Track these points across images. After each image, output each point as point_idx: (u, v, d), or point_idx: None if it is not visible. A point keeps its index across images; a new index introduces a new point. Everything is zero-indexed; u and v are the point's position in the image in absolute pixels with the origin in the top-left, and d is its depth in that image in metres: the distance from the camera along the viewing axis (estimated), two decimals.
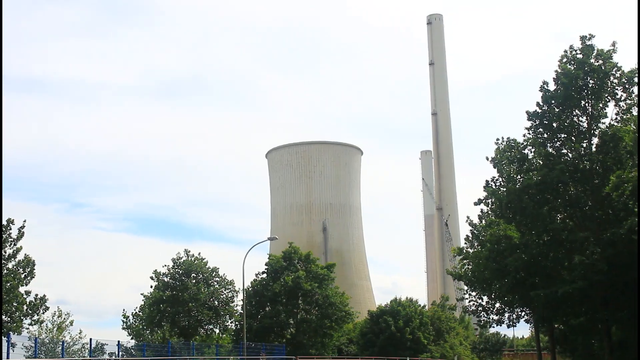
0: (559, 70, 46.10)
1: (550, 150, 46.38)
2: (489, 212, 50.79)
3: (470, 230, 53.66)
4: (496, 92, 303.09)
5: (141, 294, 78.58)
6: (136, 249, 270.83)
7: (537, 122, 46.66)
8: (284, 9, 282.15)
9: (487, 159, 49.43)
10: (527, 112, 46.85)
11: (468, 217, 53.09)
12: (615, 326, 48.51)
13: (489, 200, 49.25)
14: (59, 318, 63.42)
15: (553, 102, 46.24)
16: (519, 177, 48.02)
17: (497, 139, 49.25)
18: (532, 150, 47.11)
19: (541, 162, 46.24)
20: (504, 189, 48.06)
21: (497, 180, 49.30)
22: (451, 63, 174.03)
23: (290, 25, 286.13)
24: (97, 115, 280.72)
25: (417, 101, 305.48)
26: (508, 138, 48.56)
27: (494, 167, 49.39)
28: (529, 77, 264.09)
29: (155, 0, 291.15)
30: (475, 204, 49.96)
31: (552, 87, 46.62)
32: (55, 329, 62.97)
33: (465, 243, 54.89)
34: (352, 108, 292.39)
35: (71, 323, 64.12)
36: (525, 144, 47.44)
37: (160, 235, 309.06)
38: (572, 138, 46.39)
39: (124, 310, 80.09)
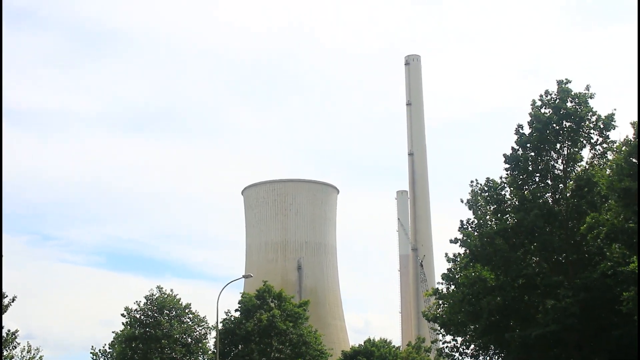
0: (533, 114, 46.72)
1: (526, 193, 46.74)
2: (465, 253, 50.84)
3: (448, 269, 53.63)
4: (473, 131, 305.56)
5: (112, 332, 77.62)
6: (106, 283, 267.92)
7: (513, 165, 47.11)
8: (256, 42, 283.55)
9: (462, 201, 49.68)
10: (505, 155, 47.30)
11: (447, 254, 53.09)
12: None
13: (465, 241, 49.34)
14: (28, 353, 62.42)
15: (528, 145, 46.75)
16: (494, 219, 48.29)
17: (472, 181, 49.60)
18: (509, 191, 47.50)
19: (517, 204, 46.57)
20: (479, 232, 48.25)
21: (472, 222, 49.47)
22: (428, 103, 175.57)
23: (266, 60, 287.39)
24: (67, 146, 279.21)
25: (393, 141, 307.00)
26: (487, 178, 48.86)
27: (469, 209, 49.63)
28: (505, 115, 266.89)
29: (126, 31, 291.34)
30: (451, 242, 50.04)
31: (527, 129, 47.16)
32: None
33: (441, 282, 54.79)
34: (329, 146, 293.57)
35: (40, 359, 63.14)
36: (503, 184, 47.81)
37: (131, 270, 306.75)
38: (548, 182, 46.83)
39: (92, 347, 78.88)
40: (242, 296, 79.63)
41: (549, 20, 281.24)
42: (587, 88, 46.63)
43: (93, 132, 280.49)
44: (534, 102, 47.23)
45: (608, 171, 43.47)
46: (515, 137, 47.63)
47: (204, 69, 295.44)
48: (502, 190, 47.86)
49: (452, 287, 53.20)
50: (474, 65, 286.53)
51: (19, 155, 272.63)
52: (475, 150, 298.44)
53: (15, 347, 54.84)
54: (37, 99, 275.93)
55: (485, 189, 48.63)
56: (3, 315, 54.33)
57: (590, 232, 41.47)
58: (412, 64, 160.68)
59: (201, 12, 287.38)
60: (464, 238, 49.03)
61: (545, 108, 46.87)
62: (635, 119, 40.45)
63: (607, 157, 46.07)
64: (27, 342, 60.06)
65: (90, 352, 78.83)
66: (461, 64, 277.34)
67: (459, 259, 52.04)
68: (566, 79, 47.00)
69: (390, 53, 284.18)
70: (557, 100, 46.56)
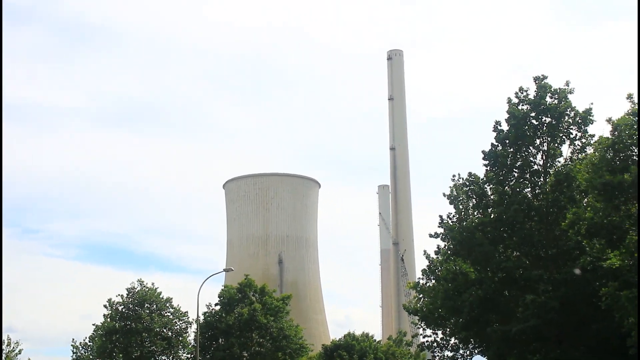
0: (510, 111, 46.92)
1: (507, 189, 46.94)
2: (446, 247, 51.03)
3: (427, 265, 53.83)
4: (454, 127, 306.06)
5: (93, 324, 77.36)
6: (87, 276, 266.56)
7: (492, 161, 47.31)
8: (241, 38, 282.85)
9: (444, 195, 49.88)
10: (483, 152, 47.50)
11: (425, 251, 53.35)
12: None
13: (445, 236, 49.57)
14: (8, 347, 62.21)
15: (507, 141, 46.97)
16: (476, 213, 48.51)
17: (454, 175, 49.85)
18: (490, 187, 47.72)
19: (498, 199, 46.78)
20: (459, 225, 48.45)
21: (452, 216, 49.70)
22: (410, 98, 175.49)
23: (249, 55, 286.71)
24: (49, 140, 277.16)
25: (375, 135, 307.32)
26: (469, 173, 49.12)
27: (450, 204, 49.83)
28: (488, 111, 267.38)
29: (113, 26, 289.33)
30: (431, 236, 50.27)
31: (505, 126, 47.38)
32: (4, 357, 61.71)
33: (422, 277, 54.97)
34: (311, 140, 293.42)
35: (20, 352, 63.00)
36: (484, 179, 48.04)
37: (112, 263, 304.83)
38: (527, 176, 47.06)
39: (73, 339, 78.59)
40: (222, 289, 79.49)
41: (533, 17, 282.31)
42: (567, 84, 46.92)
43: (76, 126, 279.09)
44: (509, 99, 47.45)
45: (585, 166, 43.60)
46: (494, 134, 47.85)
47: (190, 64, 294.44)
48: (484, 185, 48.08)
49: (433, 281, 53.42)
50: (457, 61, 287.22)
51: (1, 148, 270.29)
52: (457, 146, 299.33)
53: None
54: (21, 93, 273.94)
55: (467, 183, 48.85)
56: None
57: (571, 227, 41.70)
58: (394, 58, 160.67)
59: (189, 8, 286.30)
60: (445, 231, 49.25)
61: (522, 104, 47.05)
62: (612, 115, 40.60)
63: (585, 151, 46.33)
64: (7, 335, 59.91)
65: (71, 345, 78.65)
66: (444, 60, 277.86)
67: (440, 253, 52.20)
68: (542, 75, 47.27)
69: (373, 48, 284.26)
70: (536, 96, 46.76)
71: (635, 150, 38.71)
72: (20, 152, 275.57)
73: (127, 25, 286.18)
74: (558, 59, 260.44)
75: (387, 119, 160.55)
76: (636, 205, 37.97)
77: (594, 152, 41.88)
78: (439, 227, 49.95)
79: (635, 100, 40.24)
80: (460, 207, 49.48)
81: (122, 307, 75.79)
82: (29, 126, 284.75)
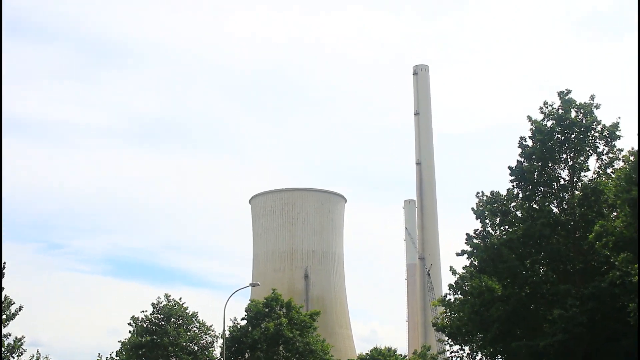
0: (534, 126, 46.79)
1: (533, 204, 46.77)
2: (472, 264, 50.82)
3: (455, 281, 53.56)
4: (481, 142, 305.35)
5: (118, 341, 77.73)
6: (114, 291, 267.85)
7: (519, 177, 47.19)
8: (264, 54, 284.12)
9: (473, 210, 49.74)
10: (510, 168, 47.38)
11: (451, 267, 53.13)
12: None
13: (471, 253, 49.41)
14: None
15: (533, 157, 46.82)
16: (501, 229, 48.36)
17: (478, 192, 49.72)
18: (514, 204, 47.59)
19: (522, 216, 46.61)
20: (486, 242, 48.27)
21: (479, 232, 49.48)
22: (436, 113, 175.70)
23: (273, 70, 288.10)
24: (75, 157, 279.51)
25: (401, 150, 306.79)
26: (491, 191, 49.04)
27: (477, 219, 49.70)
28: (513, 126, 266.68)
29: (133, 44, 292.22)
30: (458, 254, 50.14)
31: (530, 142, 47.26)
32: None
33: (449, 292, 54.74)
34: (337, 155, 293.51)
35: None
36: (507, 197, 47.91)
37: (138, 279, 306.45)
38: (554, 191, 46.85)
39: (99, 354, 79.01)
40: (249, 304, 79.58)
41: (557, 32, 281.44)
42: (592, 98, 46.68)
43: (102, 144, 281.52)
44: (529, 117, 47.34)
45: (613, 181, 43.43)
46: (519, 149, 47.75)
47: (212, 81, 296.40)
48: (508, 202, 47.95)
49: (459, 296, 53.15)
50: (482, 76, 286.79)
51: (27, 166, 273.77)
52: (483, 161, 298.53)
53: (22, 354, 55.05)
54: (46, 111, 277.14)
55: (491, 201, 48.70)
56: (10, 323, 54.65)
57: (598, 240, 41.36)
58: (420, 73, 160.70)
59: (209, 25, 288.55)
60: (471, 249, 49.11)
61: (547, 120, 46.91)
62: None
63: (614, 165, 46.08)
64: (37, 350, 60.31)
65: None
66: (470, 74, 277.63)
67: (465, 270, 52.01)
68: (566, 89, 47.13)
69: (398, 63, 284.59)
70: (560, 111, 46.59)
71: None
72: (46, 169, 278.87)
73: (149, 43, 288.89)
74: (583, 74, 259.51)
75: (413, 134, 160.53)
76: None
77: (622, 167, 41.65)
78: (465, 244, 49.82)
79: None
80: (487, 221, 49.30)
81: (148, 322, 76.05)
82: (53, 143, 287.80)
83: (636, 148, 40.52)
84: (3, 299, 54.25)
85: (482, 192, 49.54)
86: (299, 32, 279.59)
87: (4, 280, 54.30)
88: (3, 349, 53.60)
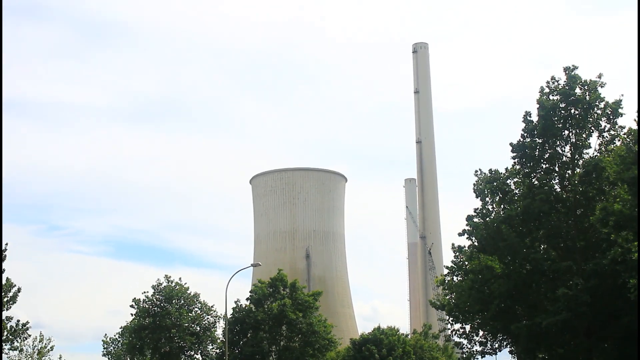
0: (540, 101, 46.56)
1: (534, 181, 46.67)
2: (472, 245, 50.76)
3: (452, 261, 53.47)
4: (481, 119, 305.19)
5: (120, 327, 78.15)
6: (114, 273, 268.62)
7: (520, 154, 47.03)
8: (265, 35, 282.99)
9: (473, 188, 49.63)
10: (511, 144, 47.22)
11: (453, 244, 53.02)
12: (598, 356, 48.50)
13: (471, 233, 49.37)
14: (40, 343, 62.83)
15: (535, 133, 46.65)
16: (500, 208, 48.29)
17: (476, 171, 49.59)
18: (514, 181, 47.46)
19: (524, 192, 46.50)
20: (486, 221, 48.21)
21: (479, 211, 49.38)
22: (436, 91, 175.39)
23: (272, 50, 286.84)
24: (75, 138, 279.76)
25: (401, 129, 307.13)
26: (489, 169, 48.91)
27: (477, 197, 49.60)
28: (514, 103, 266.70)
29: (132, 23, 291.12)
30: (460, 234, 50.07)
31: (535, 117, 47.06)
32: (35, 354, 62.34)
33: (449, 272, 54.75)
34: (337, 135, 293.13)
35: (52, 348, 63.53)
36: (507, 174, 47.80)
37: (139, 260, 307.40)
38: (555, 168, 46.75)
39: (105, 335, 79.55)
40: (255, 284, 79.63)
41: (557, 7, 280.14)
42: (600, 76, 46.35)
43: (101, 124, 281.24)
44: (542, 89, 47.05)
45: (613, 158, 43.35)
46: (523, 124, 47.52)
47: (211, 61, 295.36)
48: (507, 180, 47.85)
49: (459, 277, 53.10)
50: (481, 53, 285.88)
51: (26, 147, 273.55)
52: (483, 138, 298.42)
53: (27, 338, 55.25)
54: (44, 91, 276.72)
55: (490, 179, 48.56)
56: (12, 307, 54.75)
57: (601, 223, 41.32)
58: (419, 51, 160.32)
59: (207, 4, 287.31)
60: (471, 229, 49.07)
61: (552, 95, 46.68)
62: None
63: (615, 143, 45.96)
64: (40, 332, 60.52)
65: (102, 340, 79.59)
66: (469, 52, 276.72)
67: (465, 250, 51.92)
68: (573, 66, 46.80)
69: (398, 41, 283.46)
70: (566, 87, 46.36)
71: None
72: (44, 149, 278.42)
73: (145, 23, 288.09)
74: (585, 49, 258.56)
75: (413, 112, 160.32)
76: None
77: (622, 144, 41.55)
78: (466, 223, 49.77)
79: None
80: (488, 199, 49.21)
81: (150, 303, 76.19)
82: (52, 124, 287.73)
83: (635, 127, 40.39)
84: (4, 282, 54.36)
85: (480, 170, 49.46)
86: (298, 11, 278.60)
87: (4, 263, 54.42)
88: (6, 332, 53.71)
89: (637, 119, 42.20)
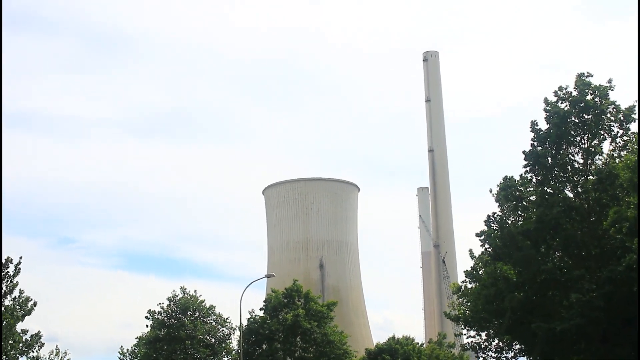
0: (549, 109, 46.52)
1: (547, 189, 46.61)
2: (485, 251, 50.72)
3: (471, 267, 53.31)
4: (493, 127, 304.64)
5: (136, 338, 78.41)
6: (126, 285, 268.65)
7: (532, 162, 47.01)
8: (275, 45, 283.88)
9: (491, 191, 49.43)
10: (524, 152, 47.19)
11: (471, 250, 52.94)
12: None
13: (485, 240, 49.30)
14: (56, 356, 62.99)
15: (547, 140, 46.62)
16: (518, 214, 48.23)
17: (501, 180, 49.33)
18: (528, 190, 47.44)
19: (538, 200, 46.45)
20: (502, 228, 48.12)
21: (497, 216, 49.24)
22: (447, 99, 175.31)
23: (282, 59, 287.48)
24: (85, 151, 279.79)
25: (413, 138, 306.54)
26: (504, 177, 48.80)
27: (496, 202, 49.45)
28: (526, 110, 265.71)
29: (140, 36, 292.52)
30: (477, 235, 49.89)
31: (542, 125, 47.00)
32: None
33: (464, 280, 54.56)
34: (349, 145, 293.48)
35: None
36: (521, 182, 47.75)
37: (152, 272, 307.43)
38: (568, 176, 46.69)
39: (121, 347, 79.80)
40: (268, 294, 79.65)
41: (567, 14, 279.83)
42: (609, 81, 46.35)
43: (111, 136, 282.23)
44: (546, 100, 47.11)
45: (626, 164, 43.29)
46: (532, 134, 47.52)
47: (221, 71, 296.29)
48: (521, 187, 47.80)
49: (474, 285, 52.99)
50: (492, 61, 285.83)
51: (37, 160, 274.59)
52: (496, 146, 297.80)
53: (42, 347, 55.56)
54: (54, 104, 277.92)
55: (505, 187, 48.49)
56: (26, 319, 55.13)
57: (613, 226, 41.26)
58: (430, 60, 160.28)
59: (214, 15, 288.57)
60: (487, 234, 48.97)
61: (562, 102, 46.70)
62: None
63: (628, 149, 45.89)
64: (56, 345, 60.69)
65: (118, 352, 79.91)
66: (480, 59, 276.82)
67: (480, 258, 51.89)
68: (587, 72, 46.77)
69: (408, 50, 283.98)
70: (576, 94, 46.37)
71: None
72: (55, 163, 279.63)
73: (156, 34, 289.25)
74: (595, 56, 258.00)
75: (424, 121, 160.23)
76: None
77: (626, 154, 41.54)
78: (485, 225, 49.63)
79: None
80: (505, 207, 49.07)
81: (165, 315, 76.37)
82: (62, 137, 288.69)
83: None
84: (20, 295, 54.70)
85: (507, 176, 49.01)
86: (307, 20, 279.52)
87: (19, 276, 54.79)
88: (21, 345, 54.05)
89: (637, 120, 42.05)
